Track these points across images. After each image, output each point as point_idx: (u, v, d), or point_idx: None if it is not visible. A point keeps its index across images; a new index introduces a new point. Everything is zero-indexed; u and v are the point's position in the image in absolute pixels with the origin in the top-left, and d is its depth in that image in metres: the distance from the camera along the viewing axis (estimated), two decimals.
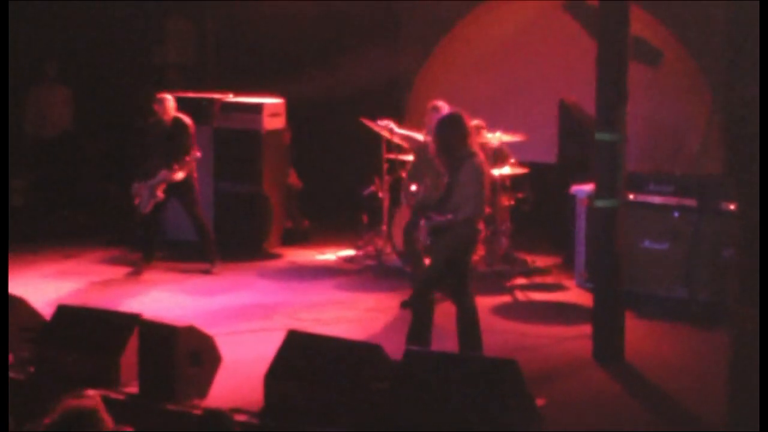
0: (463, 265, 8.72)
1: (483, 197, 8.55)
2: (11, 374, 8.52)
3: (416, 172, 11.31)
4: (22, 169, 15.15)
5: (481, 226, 8.79)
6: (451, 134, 8.58)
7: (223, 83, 13.95)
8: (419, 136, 11.31)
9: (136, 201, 11.80)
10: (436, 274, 8.68)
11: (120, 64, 15.46)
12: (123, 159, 14.67)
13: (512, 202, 11.90)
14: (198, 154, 11.77)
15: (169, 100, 11.89)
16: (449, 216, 8.46)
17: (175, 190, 11.78)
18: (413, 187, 11.33)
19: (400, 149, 11.97)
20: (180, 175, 11.68)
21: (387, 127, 11.50)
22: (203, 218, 12.09)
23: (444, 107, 10.80)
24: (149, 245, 12.08)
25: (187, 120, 11.85)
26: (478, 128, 10.97)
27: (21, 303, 9.09)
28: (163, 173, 11.68)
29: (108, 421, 5.23)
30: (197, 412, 7.53)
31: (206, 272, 11.92)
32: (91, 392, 5.74)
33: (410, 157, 11.72)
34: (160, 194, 11.73)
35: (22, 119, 15.04)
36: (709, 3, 12.03)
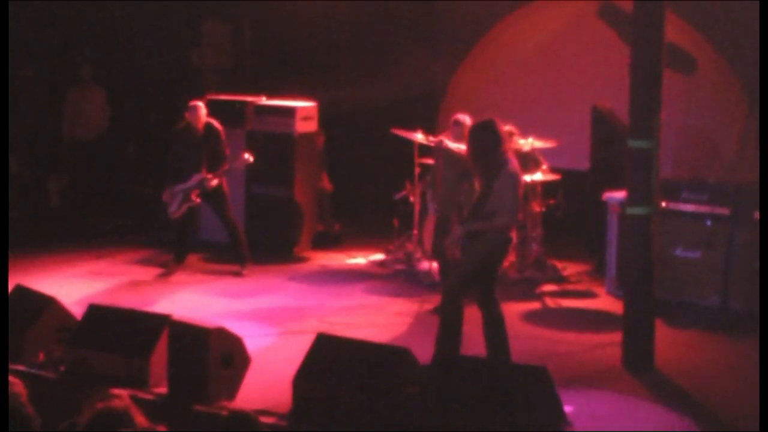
0: (493, 272, 8.71)
1: (518, 205, 8.54)
2: (42, 373, 8.59)
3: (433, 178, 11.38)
4: (58, 170, 15.26)
5: (513, 233, 8.77)
6: (485, 141, 8.55)
7: (260, 86, 13.99)
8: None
9: (169, 207, 11.86)
10: (465, 279, 8.66)
11: (157, 67, 15.55)
12: (158, 161, 14.74)
13: (544, 209, 11.87)
14: (251, 159, 11.87)
15: (201, 107, 11.96)
16: (486, 224, 8.45)
17: (208, 194, 11.85)
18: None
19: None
20: (215, 182, 11.77)
21: (438, 140, 11.39)
22: (235, 221, 12.14)
23: (466, 120, 10.84)
24: (181, 247, 12.14)
25: (218, 126, 11.93)
26: (510, 134, 10.95)
27: (53, 303, 9.15)
28: (196, 178, 11.75)
29: (140, 420, 5.25)
30: (224, 413, 7.54)
31: (237, 274, 11.96)
32: (117, 391, 5.78)
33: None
34: (195, 199, 11.81)
35: (59, 121, 15.14)
36: (743, 8, 11.95)
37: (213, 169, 11.79)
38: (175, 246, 12.20)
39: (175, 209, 11.82)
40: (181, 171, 11.86)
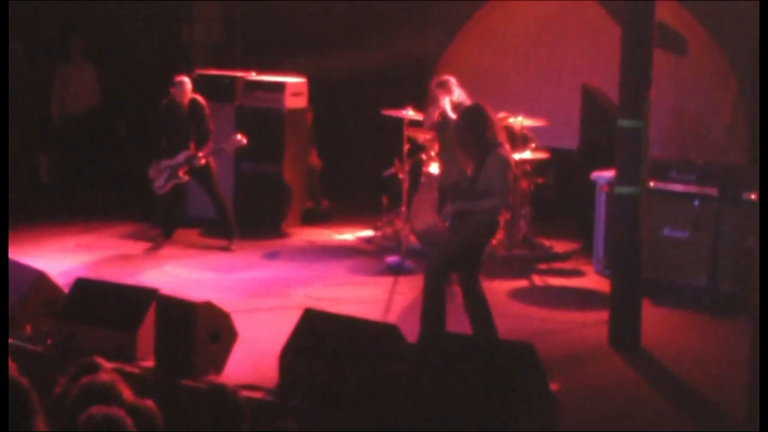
0: (478, 253, 8.74)
1: (508, 188, 8.56)
2: (30, 346, 8.58)
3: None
4: (48, 146, 15.20)
5: (501, 217, 8.81)
6: (474, 126, 8.60)
7: (250, 62, 13.95)
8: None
9: (155, 183, 11.84)
10: (450, 258, 8.68)
11: (147, 43, 15.47)
12: (147, 138, 14.71)
13: (532, 187, 11.88)
14: (244, 141, 11.84)
15: (187, 83, 11.94)
16: (476, 204, 8.47)
17: (195, 171, 11.84)
18: (434, 169, 11.37)
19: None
20: (203, 162, 11.77)
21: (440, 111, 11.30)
22: (222, 197, 12.13)
23: (451, 79, 10.73)
24: (169, 223, 12.14)
25: (202, 101, 11.92)
26: (503, 119, 10.98)
27: (41, 276, 9.13)
28: (184, 155, 11.73)
29: (127, 394, 5.24)
30: (208, 388, 7.55)
31: (225, 249, 11.96)
32: (99, 360, 5.79)
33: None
34: (183, 176, 11.81)
35: (49, 96, 15.07)
36: None
37: (199, 144, 11.78)
38: (163, 221, 12.19)
39: (162, 184, 11.81)
40: (168, 147, 11.85)
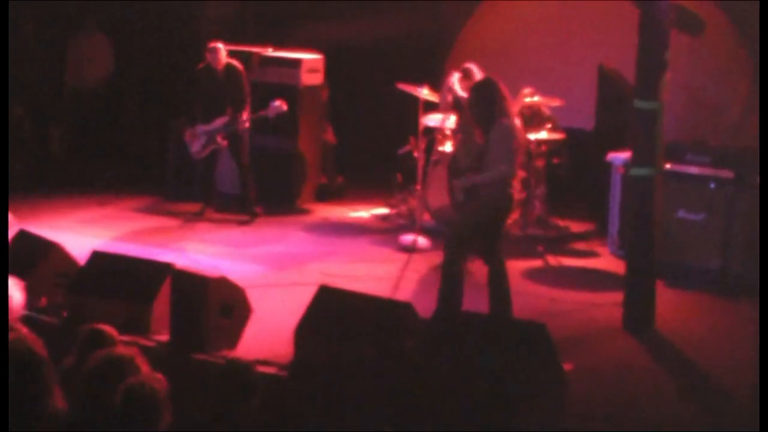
0: (496, 228, 8.74)
1: (513, 156, 8.57)
2: (45, 317, 8.62)
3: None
4: (61, 118, 15.22)
5: (514, 189, 8.81)
6: (482, 99, 8.65)
7: (263, 37, 13.94)
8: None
9: (191, 148, 11.95)
10: (465, 233, 8.70)
11: (160, 16, 15.46)
12: (160, 111, 14.73)
13: (548, 168, 11.87)
14: (284, 107, 11.92)
15: (221, 49, 12.06)
16: (484, 176, 8.50)
17: (231, 137, 11.91)
18: (448, 147, 11.39)
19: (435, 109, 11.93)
20: (247, 124, 11.82)
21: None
22: (249, 168, 12.17)
23: (473, 69, 10.74)
24: (208, 189, 12.30)
25: (239, 66, 12.01)
26: (525, 96, 11.01)
27: (56, 248, 9.17)
28: (221, 121, 11.84)
29: (145, 369, 5.29)
30: (221, 362, 7.59)
31: (245, 223, 11.99)
32: (108, 329, 5.85)
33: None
34: (221, 141, 11.90)
35: (62, 68, 15.08)
36: None
37: (237, 110, 11.88)
38: (203, 188, 12.32)
39: (199, 149, 11.96)
40: (203, 112, 11.93)
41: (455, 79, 10.65)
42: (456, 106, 10.99)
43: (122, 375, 5.07)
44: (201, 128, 11.92)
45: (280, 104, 11.92)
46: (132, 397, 4.90)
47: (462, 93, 10.81)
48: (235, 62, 12.10)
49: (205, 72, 12.06)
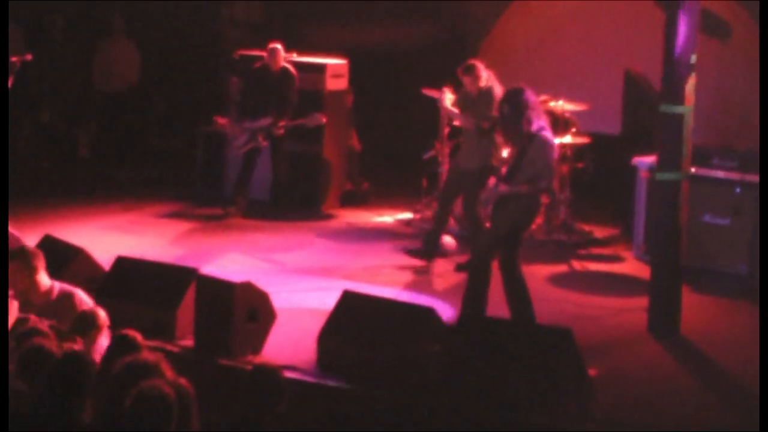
0: (519, 236, 8.75)
1: (552, 172, 8.60)
2: None
3: None
4: (89, 122, 15.30)
5: (543, 200, 8.84)
6: (509, 110, 8.61)
7: (289, 42, 13.94)
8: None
9: (235, 141, 12.08)
10: (495, 240, 8.68)
11: (187, 21, 15.51)
12: (186, 114, 14.78)
13: (572, 172, 11.83)
14: (324, 120, 12.10)
15: (280, 50, 12.20)
16: (519, 187, 8.49)
17: (272, 138, 12.15)
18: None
19: None
20: (282, 132, 12.04)
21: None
22: (282, 173, 12.36)
23: (479, 66, 10.70)
24: (243, 186, 12.36)
25: (294, 71, 12.08)
26: (544, 102, 10.97)
27: (82, 253, 9.19)
28: (266, 120, 11.96)
29: (169, 373, 5.30)
30: (248, 367, 7.59)
31: (220, 218, 12.16)
32: (134, 334, 5.87)
33: None
34: (262, 141, 12.02)
35: (90, 72, 15.15)
36: None
37: (280, 114, 12.03)
38: (237, 186, 12.41)
39: (242, 144, 12.06)
40: (251, 109, 12.00)
41: (447, 97, 10.72)
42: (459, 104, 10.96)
43: (148, 379, 5.09)
44: (246, 124, 12.07)
45: (320, 116, 12.04)
46: (141, 400, 4.90)
47: (453, 109, 10.83)
48: (291, 67, 12.25)
49: (261, 71, 12.22)
